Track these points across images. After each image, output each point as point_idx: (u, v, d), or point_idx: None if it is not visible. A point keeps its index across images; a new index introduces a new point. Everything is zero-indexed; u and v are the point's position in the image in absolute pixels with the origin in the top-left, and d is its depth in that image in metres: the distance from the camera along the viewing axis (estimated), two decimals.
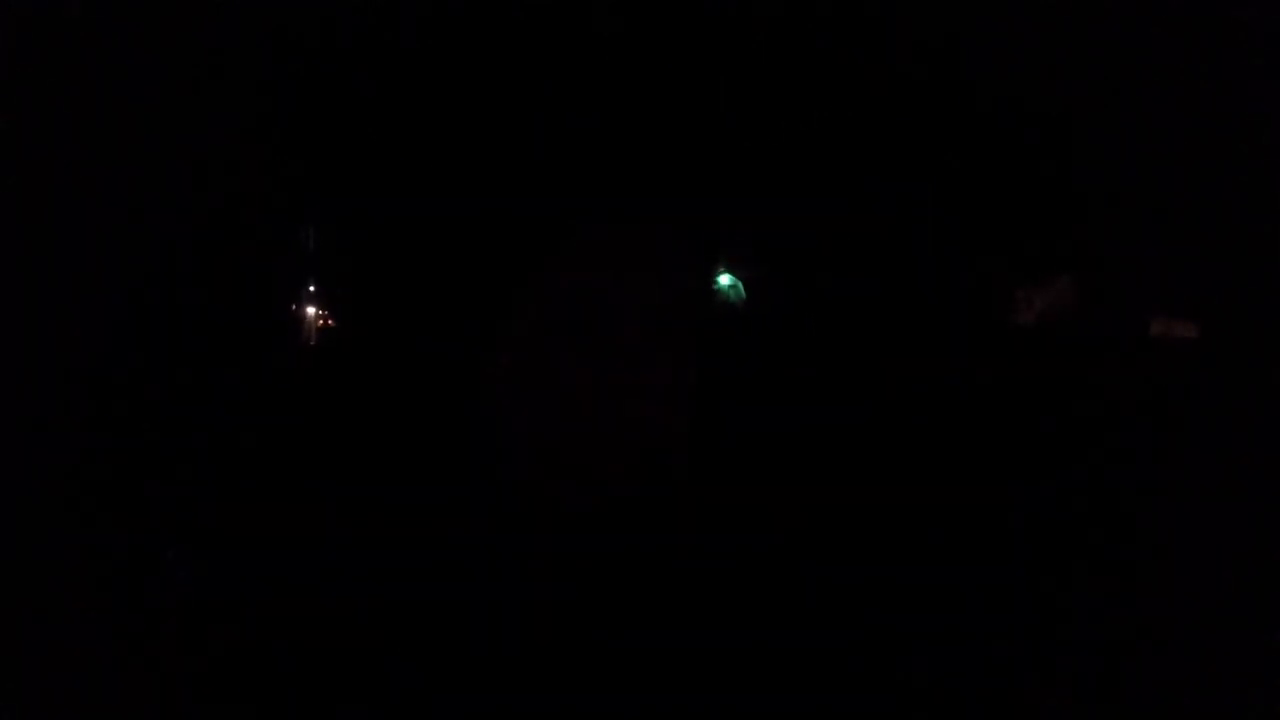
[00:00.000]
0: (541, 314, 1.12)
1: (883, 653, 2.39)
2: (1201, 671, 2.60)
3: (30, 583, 2.76)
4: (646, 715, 1.74)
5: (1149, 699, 2.60)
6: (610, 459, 1.07)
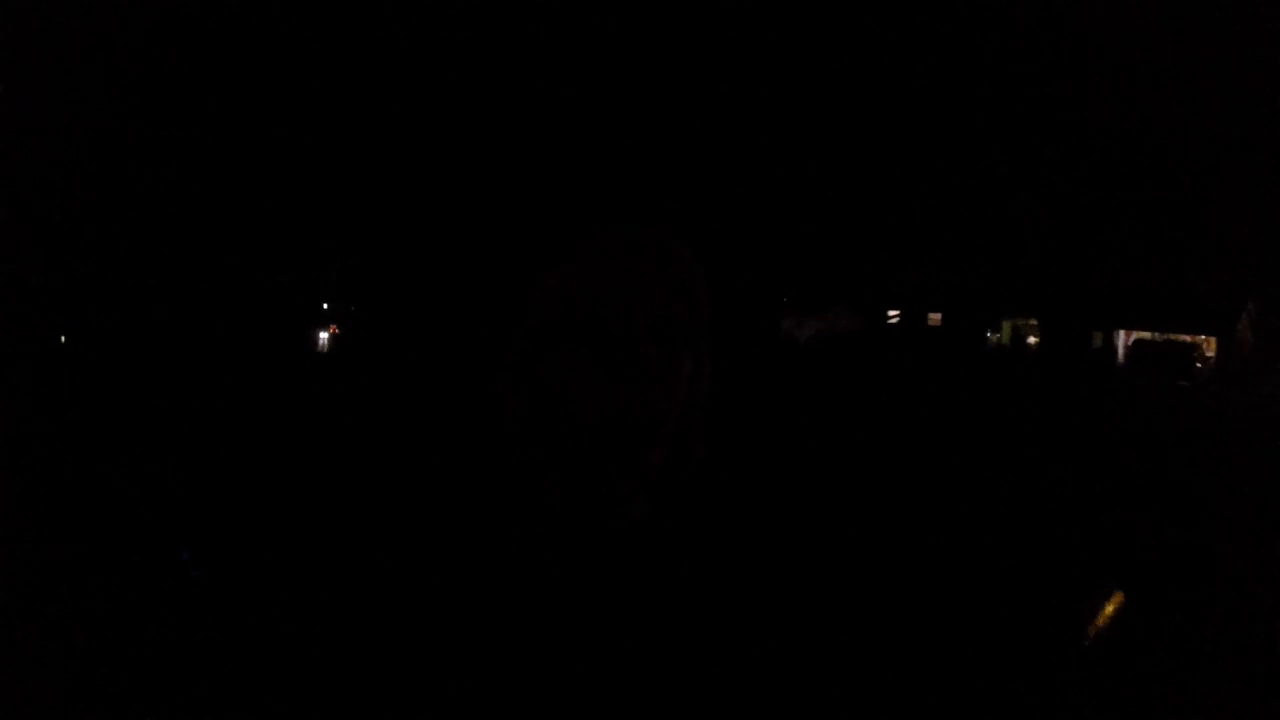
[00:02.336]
0: (550, 318, 1.07)
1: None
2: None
3: (45, 582, 2.62)
4: None
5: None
6: (621, 466, 1.03)
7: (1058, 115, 20.09)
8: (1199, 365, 20.49)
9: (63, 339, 14.70)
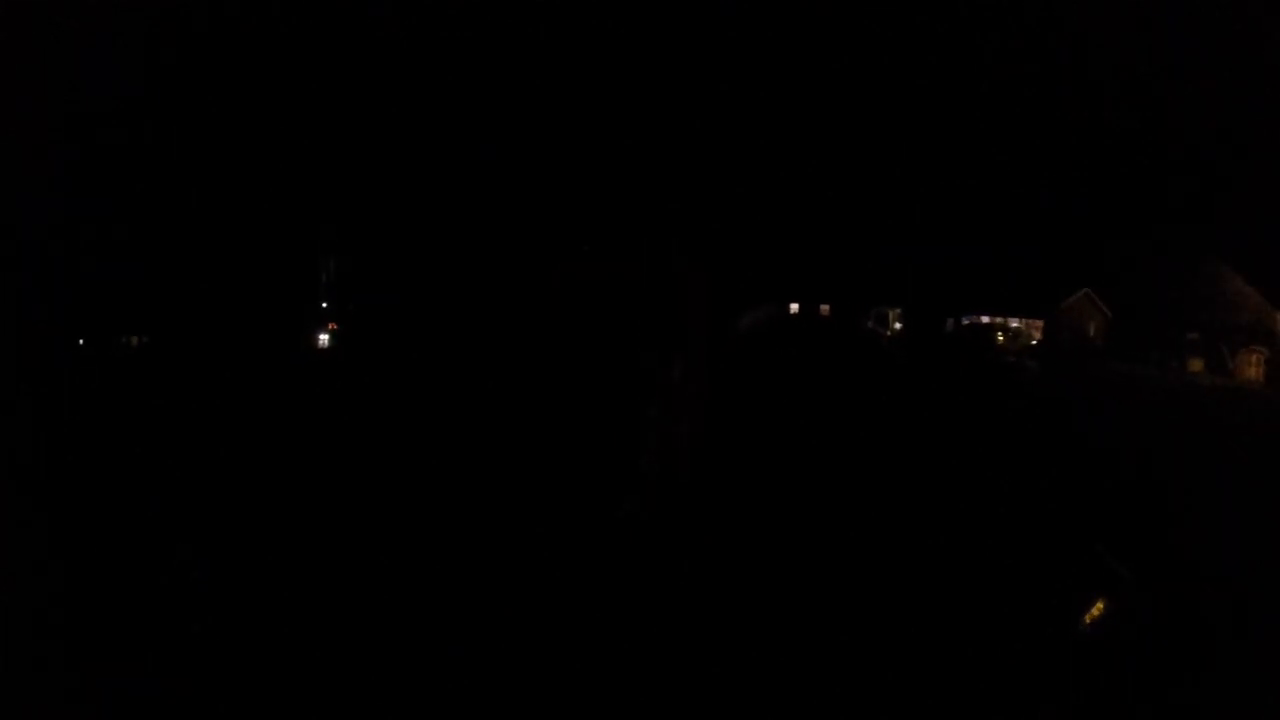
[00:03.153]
0: (553, 322, 1.57)
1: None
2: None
3: (47, 582, 3.12)
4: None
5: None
6: (620, 465, 1.49)
7: (921, 121, 24.41)
8: (1032, 344, 25.47)
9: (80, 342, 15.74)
